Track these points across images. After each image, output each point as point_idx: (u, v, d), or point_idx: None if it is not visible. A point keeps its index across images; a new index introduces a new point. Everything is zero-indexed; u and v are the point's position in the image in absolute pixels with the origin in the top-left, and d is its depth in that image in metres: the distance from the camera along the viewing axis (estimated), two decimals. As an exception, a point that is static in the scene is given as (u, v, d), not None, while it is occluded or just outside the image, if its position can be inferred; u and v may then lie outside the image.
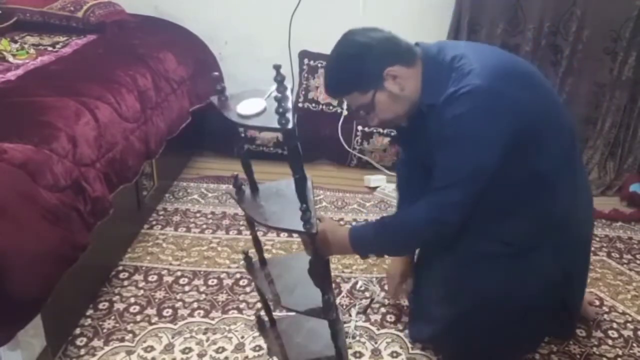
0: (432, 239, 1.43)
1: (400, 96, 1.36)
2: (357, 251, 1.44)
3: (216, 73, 1.21)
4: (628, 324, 1.90)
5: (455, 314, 1.50)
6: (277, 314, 1.61)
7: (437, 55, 1.37)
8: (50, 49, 2.29)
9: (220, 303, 1.89)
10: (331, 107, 2.96)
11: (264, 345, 1.71)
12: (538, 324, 1.55)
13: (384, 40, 1.35)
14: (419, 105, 1.38)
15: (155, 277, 1.99)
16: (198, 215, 2.39)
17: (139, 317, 1.81)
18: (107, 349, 1.68)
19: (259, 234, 2.26)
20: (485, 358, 1.60)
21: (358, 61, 1.33)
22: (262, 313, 1.55)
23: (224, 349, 1.70)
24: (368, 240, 1.42)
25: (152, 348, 1.69)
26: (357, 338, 1.77)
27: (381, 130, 2.77)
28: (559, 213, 1.42)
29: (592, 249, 2.32)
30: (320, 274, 1.27)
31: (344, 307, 1.90)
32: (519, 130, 1.29)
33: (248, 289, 1.96)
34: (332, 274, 2.05)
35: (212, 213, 2.41)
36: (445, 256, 1.49)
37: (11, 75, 1.95)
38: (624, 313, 1.95)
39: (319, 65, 2.95)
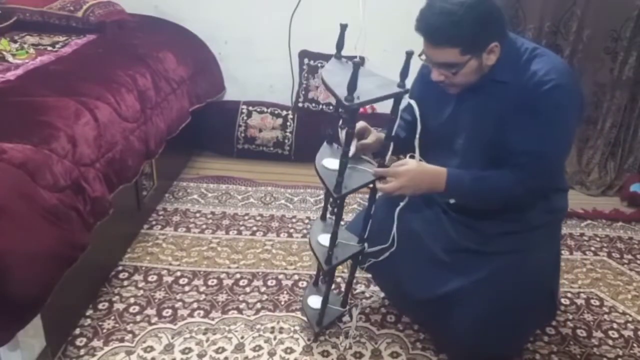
0: (523, 199, 1.49)
1: (483, 69, 1.40)
2: (448, 191, 1.47)
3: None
4: (628, 324, 1.90)
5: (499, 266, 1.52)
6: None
7: (515, 41, 1.43)
8: (49, 48, 2.28)
9: (220, 303, 1.88)
10: (331, 107, 2.95)
11: (264, 345, 1.71)
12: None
13: (501, 14, 1.37)
14: (483, 80, 1.42)
15: (155, 277, 1.99)
16: (198, 215, 2.39)
17: (138, 317, 1.80)
18: (106, 349, 1.68)
19: (259, 234, 2.27)
20: (512, 320, 1.56)
21: (479, 24, 1.31)
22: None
23: (223, 349, 1.70)
24: (463, 185, 1.46)
25: (152, 348, 1.69)
26: (357, 338, 1.77)
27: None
28: None
29: (593, 249, 2.33)
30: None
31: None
32: None
33: (248, 289, 1.95)
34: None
35: (212, 213, 2.41)
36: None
37: (11, 75, 1.94)
38: (624, 313, 1.95)
39: (319, 65, 2.95)
